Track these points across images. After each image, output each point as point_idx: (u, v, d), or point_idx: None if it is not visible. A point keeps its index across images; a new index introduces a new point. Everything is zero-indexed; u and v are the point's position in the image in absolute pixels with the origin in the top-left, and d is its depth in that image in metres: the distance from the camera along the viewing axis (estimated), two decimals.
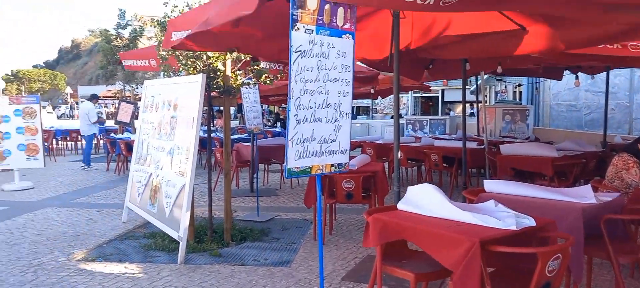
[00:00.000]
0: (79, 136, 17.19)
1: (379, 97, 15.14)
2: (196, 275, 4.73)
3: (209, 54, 5.69)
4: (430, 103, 30.95)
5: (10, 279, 4.69)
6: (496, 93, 24.32)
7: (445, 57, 6.43)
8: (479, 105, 11.70)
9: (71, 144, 18.23)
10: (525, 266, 2.86)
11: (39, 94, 51.25)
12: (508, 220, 2.98)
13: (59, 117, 50.30)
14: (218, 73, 5.72)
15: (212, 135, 8.82)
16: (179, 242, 5.13)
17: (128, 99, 15.49)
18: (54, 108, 60.44)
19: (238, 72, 6.07)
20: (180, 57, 5.78)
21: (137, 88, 16.29)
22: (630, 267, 4.51)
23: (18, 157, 10.01)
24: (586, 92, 13.21)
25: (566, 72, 9.30)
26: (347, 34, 3.61)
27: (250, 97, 7.75)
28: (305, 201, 5.79)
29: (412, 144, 9.74)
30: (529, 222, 3.02)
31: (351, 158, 4.64)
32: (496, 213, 3.15)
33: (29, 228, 6.65)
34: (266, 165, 10.20)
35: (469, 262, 2.71)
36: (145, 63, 10.25)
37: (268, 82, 6.48)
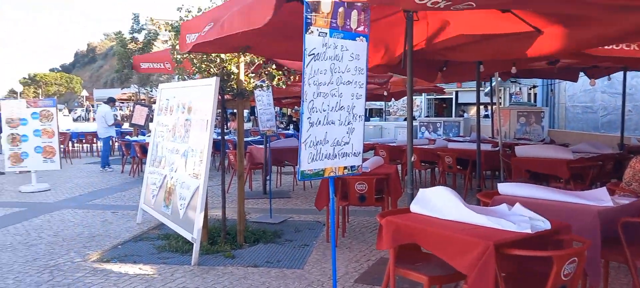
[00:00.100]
0: (94, 138, 17.41)
1: (393, 99, 15.11)
2: (209, 277, 4.75)
3: (223, 56, 5.72)
4: (444, 105, 30.75)
5: (27, 279, 4.76)
6: (510, 95, 24.10)
7: (459, 60, 6.40)
8: (493, 107, 11.62)
9: (87, 146, 18.45)
10: (541, 269, 2.83)
11: (56, 97, 52.03)
12: (523, 223, 2.95)
13: (75, 120, 50.93)
14: (231, 76, 5.75)
15: (226, 137, 8.89)
16: (192, 244, 5.16)
17: (143, 101, 15.59)
18: (70, 111, 61.24)
19: (251, 75, 6.10)
20: (195, 61, 5.82)
21: (151, 91, 16.40)
22: None
23: (35, 159, 10.16)
24: (603, 94, 13.05)
25: (581, 73, 9.20)
26: (361, 37, 3.61)
27: (263, 99, 7.78)
28: (316, 203, 5.79)
29: (426, 146, 9.69)
30: (544, 225, 2.99)
31: (364, 160, 4.64)
32: (510, 216, 3.13)
33: (46, 230, 6.74)
34: (279, 167, 10.23)
35: (483, 265, 2.69)
36: (160, 66, 10.36)
37: (281, 84, 6.50)
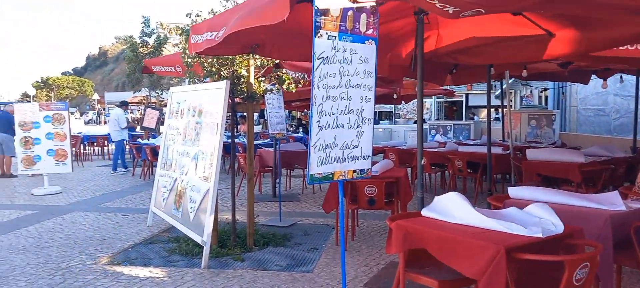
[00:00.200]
0: (106, 141, 17.53)
1: (402, 102, 15.08)
2: (219, 280, 4.77)
3: (233, 59, 5.74)
4: (454, 108, 30.60)
5: (39, 282, 4.80)
6: (521, 97, 23.93)
7: (470, 63, 6.37)
8: (504, 109, 11.55)
9: (98, 149, 18.60)
10: (552, 274, 2.81)
11: (68, 100, 52.52)
12: (534, 227, 2.93)
13: (87, 123, 51.31)
14: (241, 80, 5.77)
15: (236, 140, 8.91)
16: (202, 247, 5.18)
17: (153, 104, 15.72)
18: (81, 114, 61.75)
19: (261, 78, 6.12)
20: (205, 64, 5.85)
21: (162, 94, 16.53)
22: None
23: (47, 162, 10.26)
24: (615, 96, 12.91)
25: (593, 76, 9.12)
26: (370, 40, 3.61)
27: (273, 103, 7.81)
28: (324, 206, 5.78)
29: (436, 150, 9.65)
30: (556, 229, 2.97)
31: (373, 163, 4.63)
32: (523, 218, 3.10)
33: (58, 232, 6.80)
34: (288, 171, 10.24)
35: (494, 269, 2.67)
36: (171, 69, 10.41)
37: (291, 88, 6.51)
